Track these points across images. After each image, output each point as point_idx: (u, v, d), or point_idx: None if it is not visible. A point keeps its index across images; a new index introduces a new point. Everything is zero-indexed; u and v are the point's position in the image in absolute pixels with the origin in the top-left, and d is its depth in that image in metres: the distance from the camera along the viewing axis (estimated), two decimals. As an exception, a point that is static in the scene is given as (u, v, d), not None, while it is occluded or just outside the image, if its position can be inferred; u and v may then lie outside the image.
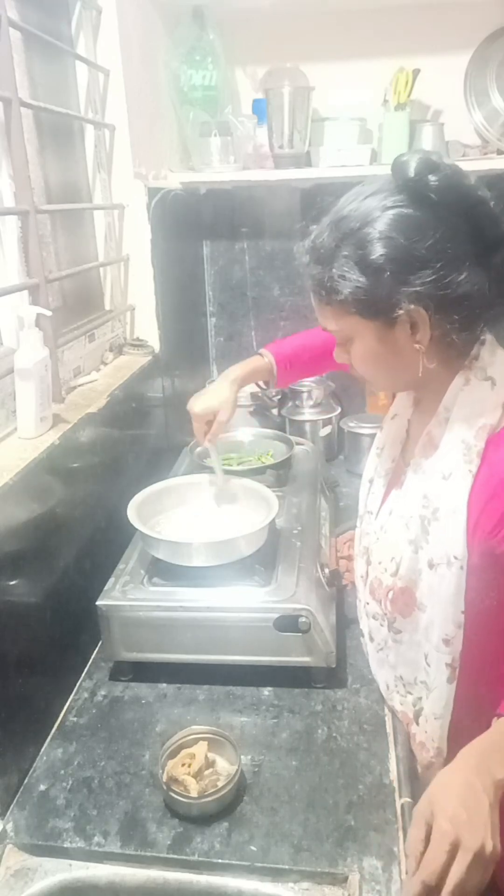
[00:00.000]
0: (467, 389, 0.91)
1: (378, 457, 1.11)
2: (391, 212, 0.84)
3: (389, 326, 0.88)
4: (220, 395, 1.30)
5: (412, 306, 0.84)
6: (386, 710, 1.10)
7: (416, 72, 1.78)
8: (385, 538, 1.02)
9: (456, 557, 0.89)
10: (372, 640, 1.09)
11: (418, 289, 0.83)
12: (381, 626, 1.04)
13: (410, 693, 1.03)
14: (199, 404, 1.31)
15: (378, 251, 0.83)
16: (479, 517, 0.88)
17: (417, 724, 1.02)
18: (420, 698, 1.01)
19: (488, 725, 0.83)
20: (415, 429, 1.06)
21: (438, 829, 0.72)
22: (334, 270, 0.87)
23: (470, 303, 0.85)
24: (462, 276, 0.83)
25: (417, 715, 1.01)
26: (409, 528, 0.96)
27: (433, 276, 0.83)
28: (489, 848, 0.71)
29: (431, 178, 0.82)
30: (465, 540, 0.88)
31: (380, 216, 0.84)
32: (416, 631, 0.98)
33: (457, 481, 0.89)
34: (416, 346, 0.88)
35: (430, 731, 1.00)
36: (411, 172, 0.83)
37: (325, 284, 0.89)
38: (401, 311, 0.85)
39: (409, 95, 1.80)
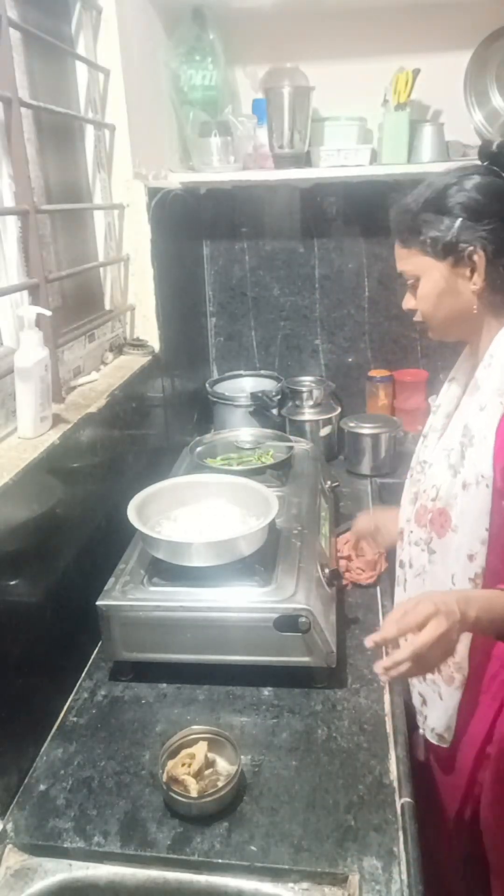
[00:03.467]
0: None
1: (434, 414, 1.24)
2: (474, 177, 1.04)
3: (452, 266, 1.05)
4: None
5: (473, 248, 1.02)
6: (386, 710, 1.10)
7: (416, 72, 1.78)
8: (430, 470, 1.16)
9: (483, 476, 1.02)
10: (411, 566, 1.20)
11: (482, 234, 1.01)
12: (422, 551, 1.15)
13: None
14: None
15: (456, 201, 1.03)
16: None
17: None
18: None
19: None
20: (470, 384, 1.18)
21: (422, 601, 0.90)
22: (419, 216, 1.06)
23: None
24: None
25: None
26: (450, 456, 1.10)
27: (493, 226, 1.01)
28: (455, 636, 0.90)
29: None
30: (491, 462, 1.01)
31: (463, 178, 1.04)
32: (447, 553, 1.09)
33: (489, 411, 1.03)
34: (472, 286, 1.05)
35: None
36: (494, 147, 1.04)
37: (409, 227, 1.08)
38: (464, 253, 1.03)
39: (409, 95, 1.80)
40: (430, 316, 1.11)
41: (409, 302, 1.14)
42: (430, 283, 1.08)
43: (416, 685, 1.19)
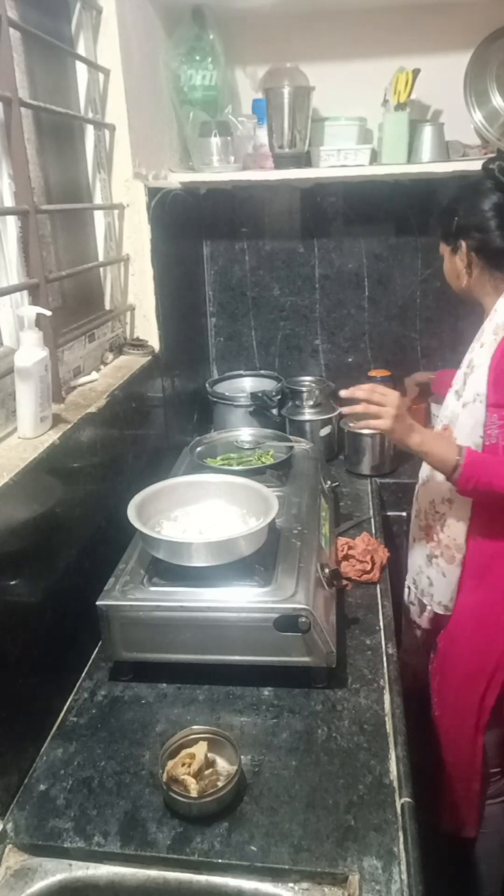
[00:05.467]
0: None
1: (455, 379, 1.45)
2: (487, 193, 1.33)
3: (453, 253, 1.39)
4: None
5: (460, 241, 1.36)
6: (386, 710, 1.10)
7: (416, 72, 1.78)
8: (443, 408, 1.42)
9: (478, 394, 1.28)
10: (423, 478, 1.48)
11: (474, 235, 1.34)
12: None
13: (437, 511, 1.41)
14: None
15: (463, 207, 1.36)
16: (495, 368, 1.25)
17: (442, 531, 1.40)
18: (444, 513, 1.40)
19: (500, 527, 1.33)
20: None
21: (392, 395, 1.25)
22: (443, 218, 1.40)
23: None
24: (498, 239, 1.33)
25: (443, 524, 1.40)
26: (455, 383, 1.38)
27: (480, 236, 1.33)
28: (392, 434, 1.26)
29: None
30: (486, 383, 1.26)
31: (479, 191, 1.34)
32: None
33: (487, 346, 1.29)
34: (463, 268, 1.38)
35: (451, 532, 1.38)
36: (495, 169, 1.31)
37: (440, 224, 1.43)
38: (455, 243, 1.37)
39: (409, 95, 1.80)
40: (449, 283, 1.45)
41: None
42: (446, 263, 1.44)
43: (424, 570, 1.47)
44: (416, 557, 1.51)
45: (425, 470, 1.46)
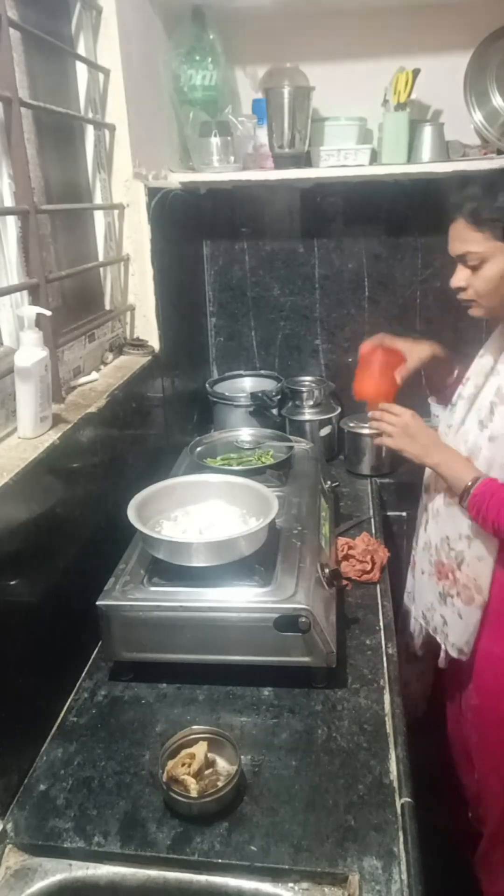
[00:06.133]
0: None
1: (464, 385, 1.34)
2: None
3: None
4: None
5: None
6: (386, 710, 1.10)
7: (416, 72, 1.78)
8: (461, 428, 1.30)
9: None
10: (434, 510, 1.37)
11: None
12: (443, 495, 1.33)
13: (453, 549, 1.31)
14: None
15: None
16: None
17: (460, 569, 1.30)
18: (462, 551, 1.29)
19: None
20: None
21: (412, 419, 1.29)
22: (499, 201, 1.13)
23: None
24: None
25: (460, 563, 1.30)
26: (480, 412, 1.25)
27: None
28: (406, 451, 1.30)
29: None
30: None
31: None
32: None
33: None
34: None
35: (472, 572, 1.28)
36: None
37: (486, 211, 1.14)
38: None
39: (409, 95, 1.80)
40: (486, 295, 1.20)
41: (461, 280, 1.21)
42: (496, 266, 1.16)
43: (437, 607, 1.38)
44: (426, 592, 1.42)
45: (436, 503, 1.37)
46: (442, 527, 1.34)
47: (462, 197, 1.17)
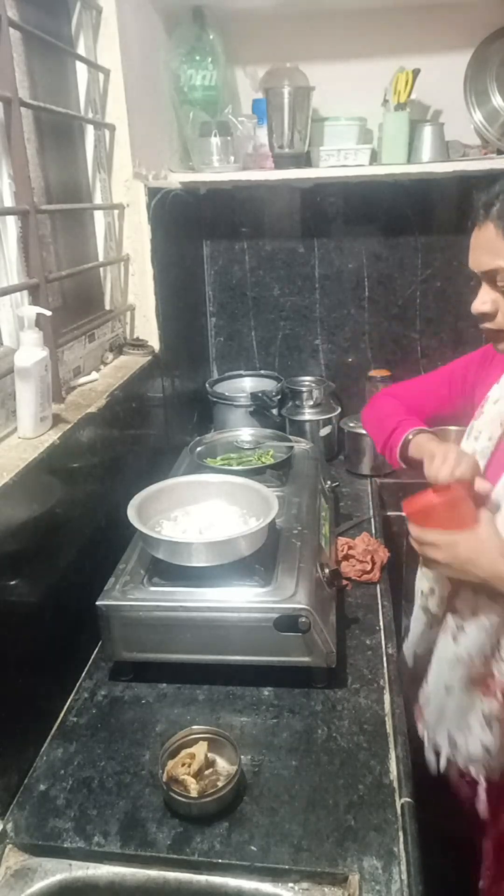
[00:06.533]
0: None
1: (476, 439, 1.13)
2: None
3: None
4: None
5: None
6: (386, 710, 1.10)
7: (416, 72, 1.78)
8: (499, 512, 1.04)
9: None
10: (463, 615, 1.10)
11: None
12: (480, 595, 1.06)
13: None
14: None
15: None
16: None
17: None
18: None
19: None
20: None
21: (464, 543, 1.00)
22: None
23: None
24: None
25: None
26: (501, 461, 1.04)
27: None
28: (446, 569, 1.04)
29: None
30: None
31: None
32: None
33: None
34: None
35: None
36: None
37: None
38: None
39: (409, 95, 1.80)
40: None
41: (486, 303, 0.98)
42: None
43: (477, 731, 1.11)
44: (454, 714, 1.13)
45: (468, 604, 1.08)
46: (488, 634, 1.06)
47: (491, 195, 0.93)
